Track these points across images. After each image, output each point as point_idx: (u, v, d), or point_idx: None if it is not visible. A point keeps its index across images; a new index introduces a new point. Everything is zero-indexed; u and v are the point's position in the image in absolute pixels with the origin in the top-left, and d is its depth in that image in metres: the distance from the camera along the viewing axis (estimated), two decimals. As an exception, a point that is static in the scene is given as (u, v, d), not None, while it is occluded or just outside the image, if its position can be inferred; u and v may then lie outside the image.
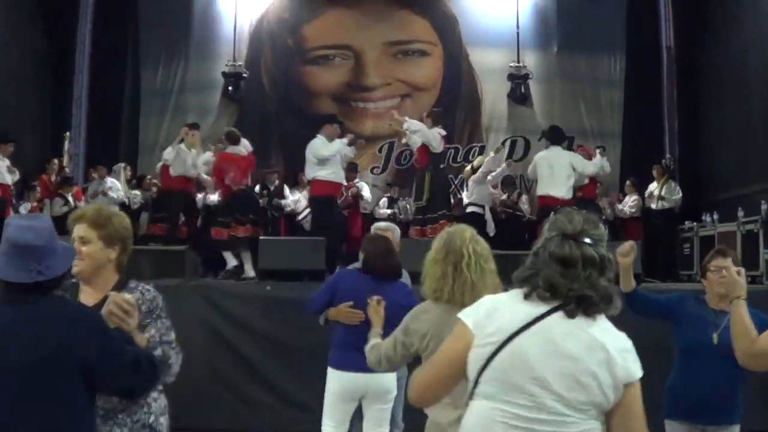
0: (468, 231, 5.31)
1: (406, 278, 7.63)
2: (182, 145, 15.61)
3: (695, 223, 16.66)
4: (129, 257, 4.68)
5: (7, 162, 15.69)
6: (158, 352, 4.36)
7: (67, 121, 22.18)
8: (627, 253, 6.21)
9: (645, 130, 21.52)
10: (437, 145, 14.77)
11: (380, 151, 21.79)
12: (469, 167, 18.06)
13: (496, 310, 3.45)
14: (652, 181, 18.28)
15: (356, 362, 6.45)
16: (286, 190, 18.26)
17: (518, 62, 21.50)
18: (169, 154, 15.75)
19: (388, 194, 19.45)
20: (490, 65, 22.09)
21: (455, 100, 22.07)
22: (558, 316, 3.33)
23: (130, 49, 22.83)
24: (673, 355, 6.44)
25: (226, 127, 15.48)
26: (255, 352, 11.59)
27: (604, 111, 21.84)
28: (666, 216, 17.92)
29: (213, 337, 11.55)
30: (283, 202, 17.95)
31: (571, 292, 3.33)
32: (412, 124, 14.91)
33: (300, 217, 17.47)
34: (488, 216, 17.14)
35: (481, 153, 20.25)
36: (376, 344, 5.57)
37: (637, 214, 18.23)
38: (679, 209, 18.08)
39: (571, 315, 3.31)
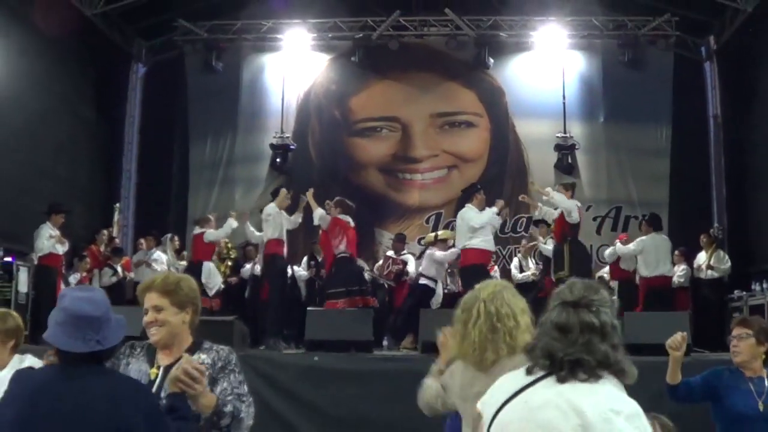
0: (489, 288, 5.09)
1: None
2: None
3: (745, 293, 16.54)
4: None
5: (57, 232, 15.87)
6: (228, 408, 4.44)
7: (117, 192, 22.55)
8: (678, 345, 6.17)
9: (692, 199, 21.49)
10: (576, 216, 14.83)
11: (427, 221, 21.74)
12: (432, 235, 17.94)
13: (499, 386, 3.48)
14: (700, 251, 18.10)
15: None
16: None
17: (565, 132, 21.56)
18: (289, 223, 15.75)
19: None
20: (536, 136, 22.11)
21: (502, 171, 22.10)
22: (543, 384, 3.29)
23: (179, 121, 23.18)
24: (716, 430, 6.32)
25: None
26: (304, 422, 11.57)
27: (651, 181, 21.71)
28: (715, 285, 17.74)
29: (261, 408, 11.47)
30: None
31: (567, 356, 3.27)
32: (555, 194, 14.90)
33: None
34: (439, 291, 16.95)
35: (529, 224, 20.17)
36: (429, 386, 5.44)
37: (686, 283, 17.99)
38: (728, 278, 17.91)
39: (562, 380, 3.25)
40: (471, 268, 14.49)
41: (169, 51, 23.38)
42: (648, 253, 15.60)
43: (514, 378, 3.44)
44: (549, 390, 3.25)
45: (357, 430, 10.25)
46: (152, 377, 4.54)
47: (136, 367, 4.60)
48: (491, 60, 22.13)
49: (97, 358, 3.88)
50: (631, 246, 16.32)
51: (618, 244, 17.05)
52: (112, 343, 3.95)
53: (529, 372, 3.39)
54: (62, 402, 3.73)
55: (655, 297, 15.65)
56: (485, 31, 21.98)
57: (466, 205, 14.93)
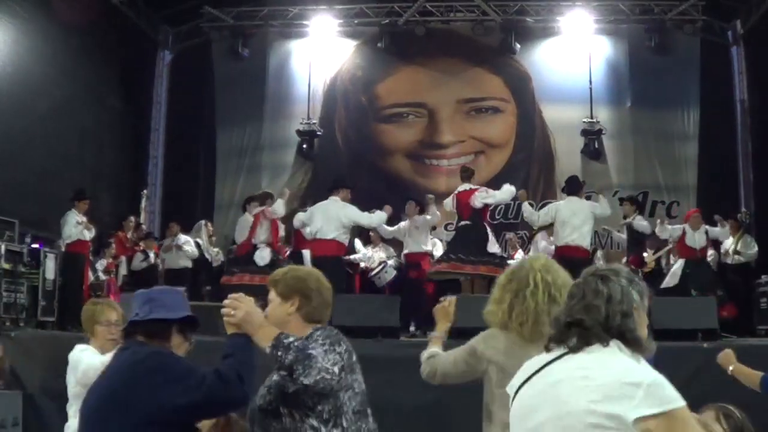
0: (541, 260, 5.10)
1: None
2: None
3: (772, 278, 16.44)
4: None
5: (84, 219, 15.94)
6: (290, 339, 4.09)
7: (144, 179, 22.71)
8: (727, 362, 6.14)
9: (720, 184, 21.42)
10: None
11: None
12: None
13: (524, 367, 3.48)
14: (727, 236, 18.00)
15: None
16: (358, 245, 18.31)
17: (591, 118, 21.52)
18: None
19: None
20: (563, 121, 22.10)
21: (529, 156, 22.13)
22: (562, 360, 3.26)
23: (206, 108, 23.25)
24: None
25: (289, 188, 15.42)
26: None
27: (679, 165, 21.68)
28: (742, 270, 17.65)
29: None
30: (354, 257, 17.96)
31: (567, 318, 3.26)
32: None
33: (372, 274, 17.44)
34: None
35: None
36: (434, 354, 5.40)
37: (713, 269, 17.97)
38: (755, 263, 17.82)
39: (574, 351, 3.22)
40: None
41: (195, 38, 23.43)
42: (560, 220, 15.06)
43: (538, 358, 3.42)
44: (565, 365, 3.23)
45: (384, 416, 10.20)
46: None
47: None
48: (518, 45, 22.15)
49: (147, 334, 3.96)
50: (542, 211, 15.77)
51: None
52: (153, 316, 3.99)
53: (547, 349, 3.37)
54: (99, 383, 3.92)
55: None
56: (511, 16, 21.94)
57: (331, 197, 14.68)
